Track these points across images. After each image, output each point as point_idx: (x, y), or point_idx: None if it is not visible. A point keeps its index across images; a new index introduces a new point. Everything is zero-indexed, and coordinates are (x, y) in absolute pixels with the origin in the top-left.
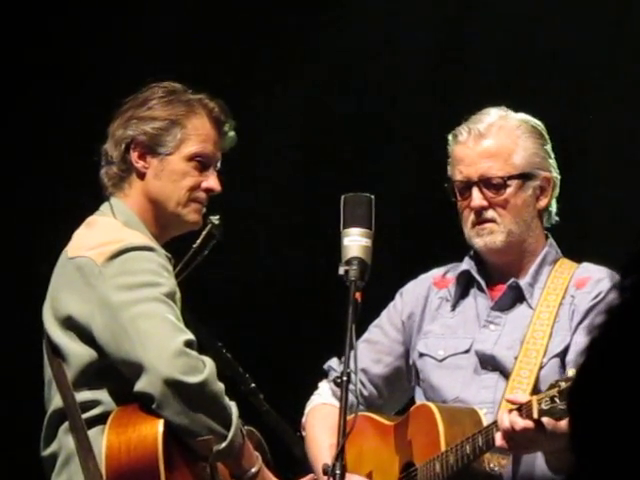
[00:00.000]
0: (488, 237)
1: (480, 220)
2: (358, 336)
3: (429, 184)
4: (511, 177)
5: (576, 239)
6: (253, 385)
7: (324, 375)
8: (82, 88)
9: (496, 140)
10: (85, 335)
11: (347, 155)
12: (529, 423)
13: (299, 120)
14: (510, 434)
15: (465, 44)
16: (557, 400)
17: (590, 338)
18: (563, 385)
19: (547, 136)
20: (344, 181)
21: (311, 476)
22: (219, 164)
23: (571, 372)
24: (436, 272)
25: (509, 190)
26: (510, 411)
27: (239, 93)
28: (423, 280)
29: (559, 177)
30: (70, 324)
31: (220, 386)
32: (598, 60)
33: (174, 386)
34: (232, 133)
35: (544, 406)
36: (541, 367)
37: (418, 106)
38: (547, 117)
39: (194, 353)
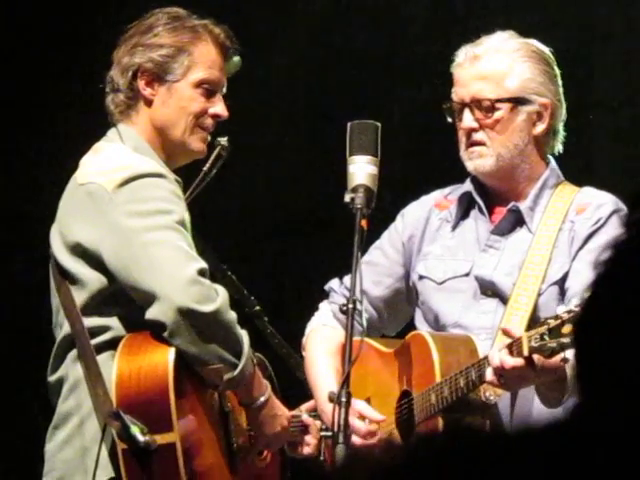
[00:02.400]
0: (478, 160)
1: (470, 142)
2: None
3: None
4: (501, 100)
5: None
6: (258, 307)
7: (325, 296)
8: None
9: (490, 63)
10: (95, 261)
11: (355, 84)
12: (519, 361)
13: (304, 50)
14: (500, 371)
15: None
16: (546, 337)
17: (596, 273)
18: (552, 323)
19: (552, 62)
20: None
21: (310, 404)
22: (225, 89)
23: (561, 309)
24: (438, 193)
25: (500, 113)
26: (505, 349)
27: (243, 22)
28: (424, 202)
29: (563, 104)
30: (79, 251)
31: (232, 315)
32: None
33: (187, 314)
34: (237, 58)
35: (534, 343)
36: (539, 294)
37: (424, 39)
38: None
39: (207, 281)
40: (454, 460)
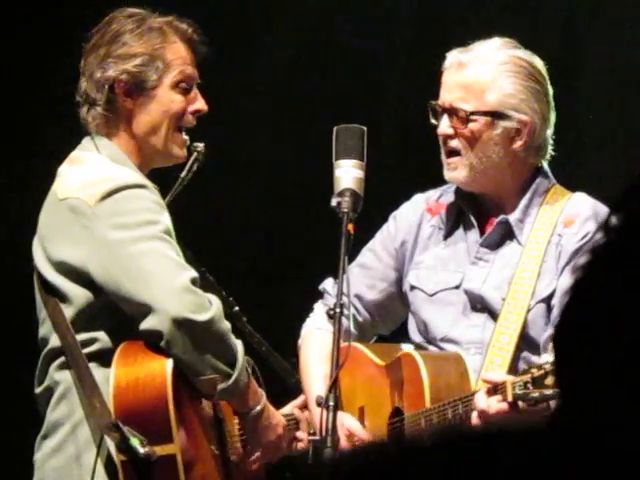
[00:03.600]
0: (452, 172)
1: (446, 149)
2: (352, 260)
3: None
4: (476, 113)
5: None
6: (237, 308)
7: (320, 296)
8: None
9: (474, 72)
10: (82, 278)
11: (341, 89)
12: (504, 407)
13: (290, 55)
14: (485, 415)
15: None
16: (530, 387)
17: (574, 278)
18: (536, 373)
19: (542, 78)
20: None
21: (298, 401)
22: (198, 79)
23: (544, 358)
24: (430, 195)
25: (475, 125)
26: (487, 392)
27: (233, 29)
28: (416, 204)
29: (548, 121)
30: (65, 268)
31: (227, 324)
32: None
33: (183, 324)
34: (204, 48)
35: (518, 390)
36: (529, 310)
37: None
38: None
39: (199, 291)
40: (440, 460)
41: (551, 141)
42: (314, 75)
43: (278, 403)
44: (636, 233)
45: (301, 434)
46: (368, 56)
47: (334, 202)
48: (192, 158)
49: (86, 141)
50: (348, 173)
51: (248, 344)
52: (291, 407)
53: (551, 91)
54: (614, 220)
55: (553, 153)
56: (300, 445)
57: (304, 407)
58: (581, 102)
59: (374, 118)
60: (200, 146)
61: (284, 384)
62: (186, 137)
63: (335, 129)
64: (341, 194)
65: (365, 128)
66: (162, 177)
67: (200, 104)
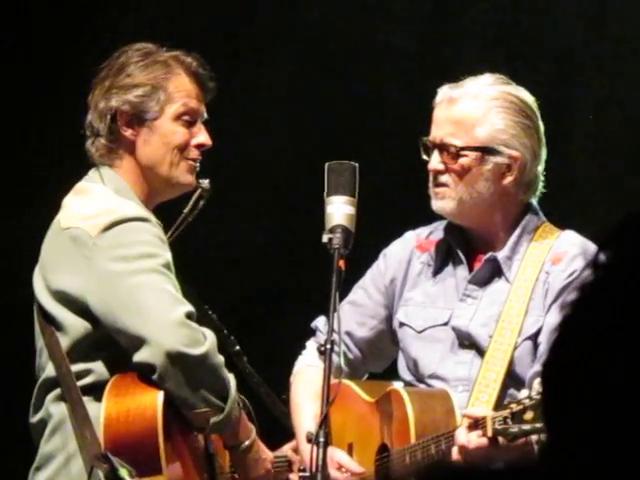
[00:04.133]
0: (440, 202)
1: (435, 183)
2: (343, 296)
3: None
4: (467, 148)
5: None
6: (238, 347)
7: (312, 334)
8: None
9: (465, 108)
10: (80, 308)
11: (332, 124)
12: (483, 442)
13: (284, 92)
14: (465, 450)
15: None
16: (509, 422)
17: (562, 315)
18: (515, 407)
19: (533, 114)
20: (329, 149)
21: (293, 443)
22: (205, 115)
23: (524, 393)
24: (421, 232)
25: (465, 160)
26: (468, 428)
27: (226, 62)
28: (406, 241)
29: (539, 157)
30: (63, 297)
31: (220, 358)
32: None
33: (176, 358)
34: (212, 84)
35: (497, 426)
36: (515, 347)
37: (405, 77)
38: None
39: (195, 325)
40: None
41: (542, 177)
42: (302, 110)
43: (273, 445)
44: (624, 270)
45: (293, 476)
46: (361, 91)
47: (325, 238)
48: (196, 195)
49: (92, 172)
50: (339, 209)
51: (246, 384)
52: (286, 448)
53: (542, 127)
54: (602, 257)
55: (544, 190)
56: None
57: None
58: (572, 139)
59: (366, 154)
60: (205, 182)
61: (281, 426)
62: (194, 164)
63: (327, 165)
64: (332, 230)
65: (357, 164)
66: (168, 214)
67: (203, 138)
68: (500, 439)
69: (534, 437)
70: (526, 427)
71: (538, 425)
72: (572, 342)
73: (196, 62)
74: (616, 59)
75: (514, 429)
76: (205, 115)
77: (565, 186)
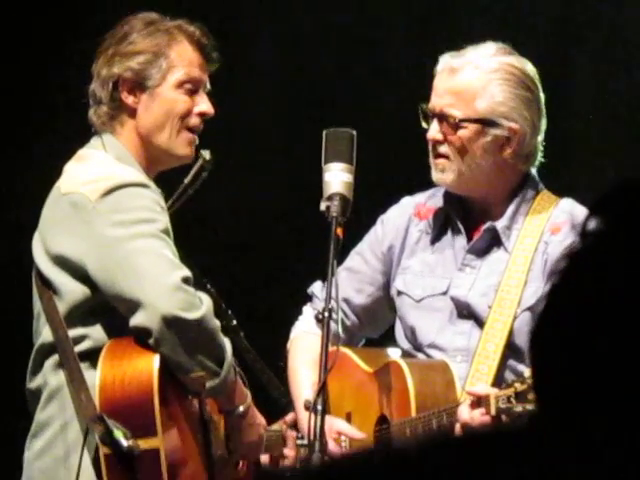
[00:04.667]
0: (439, 174)
1: (435, 154)
2: (340, 263)
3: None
4: (467, 120)
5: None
6: (235, 322)
7: (308, 299)
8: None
9: (465, 79)
10: (78, 273)
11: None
12: (486, 419)
13: (281, 56)
14: (468, 427)
15: None
16: (513, 401)
17: (550, 283)
18: (519, 387)
19: (534, 86)
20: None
21: (287, 418)
22: (208, 85)
23: (527, 372)
24: (418, 198)
25: (464, 132)
26: (471, 405)
27: (222, 29)
28: (404, 208)
29: (539, 129)
30: (62, 262)
31: (216, 323)
32: None
33: (172, 322)
34: (215, 54)
35: (501, 404)
36: (515, 318)
37: (404, 43)
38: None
39: (191, 289)
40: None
41: (541, 147)
42: (301, 77)
43: (269, 422)
44: (612, 238)
45: (288, 451)
46: (358, 57)
47: (323, 206)
48: (197, 165)
49: (94, 139)
50: (337, 177)
51: (243, 360)
52: (280, 423)
53: (543, 98)
54: (591, 225)
55: (542, 160)
56: (287, 462)
57: (294, 425)
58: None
59: (364, 121)
60: (206, 153)
61: (276, 403)
62: (194, 136)
63: (325, 132)
64: (330, 198)
65: (355, 132)
66: (170, 185)
67: (206, 106)
68: (503, 418)
69: None
70: (530, 407)
71: None
72: (560, 310)
73: (199, 31)
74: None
75: (518, 408)
76: (208, 85)
77: (564, 154)
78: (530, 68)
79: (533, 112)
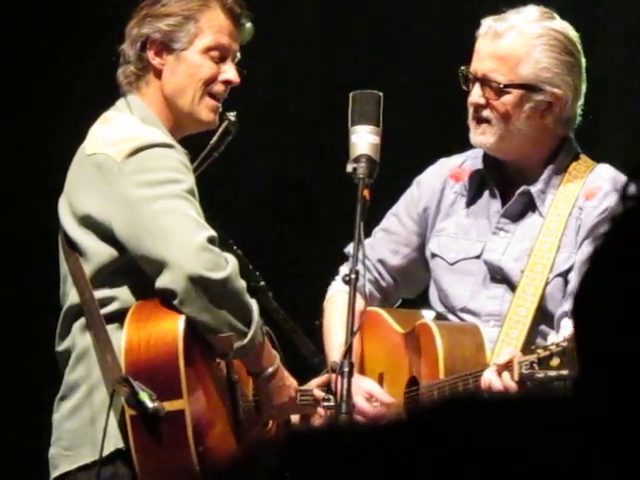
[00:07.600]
0: (480, 137)
1: (476, 117)
2: (371, 228)
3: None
4: (511, 85)
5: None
6: (263, 283)
7: (345, 259)
8: None
9: (510, 44)
10: (105, 233)
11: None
12: (511, 385)
13: (314, 15)
14: (492, 392)
15: None
16: (536, 367)
17: (594, 246)
18: (542, 353)
19: (577, 51)
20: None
21: (320, 379)
22: (238, 55)
23: (552, 336)
24: (455, 160)
25: (508, 97)
26: (497, 371)
27: None
28: (440, 170)
29: (580, 95)
30: (89, 223)
31: (242, 283)
32: None
33: (198, 282)
34: (249, 24)
35: (524, 370)
36: (547, 283)
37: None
38: None
39: (217, 249)
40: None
41: (579, 112)
42: (330, 40)
43: (300, 382)
44: None
45: (321, 411)
46: (387, 20)
47: (350, 168)
48: (222, 127)
49: (120, 102)
50: (364, 139)
51: (272, 321)
52: (313, 385)
53: (584, 62)
54: (632, 189)
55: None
56: (319, 422)
57: (327, 385)
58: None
59: (391, 83)
60: (231, 115)
61: (307, 363)
62: (217, 103)
63: (351, 95)
64: (357, 160)
65: (381, 93)
66: (195, 148)
67: (232, 74)
68: (528, 384)
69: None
70: (552, 373)
71: (564, 372)
72: (603, 274)
73: (232, 0)
74: None
75: (540, 375)
76: (238, 55)
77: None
78: (573, 33)
79: (575, 77)
